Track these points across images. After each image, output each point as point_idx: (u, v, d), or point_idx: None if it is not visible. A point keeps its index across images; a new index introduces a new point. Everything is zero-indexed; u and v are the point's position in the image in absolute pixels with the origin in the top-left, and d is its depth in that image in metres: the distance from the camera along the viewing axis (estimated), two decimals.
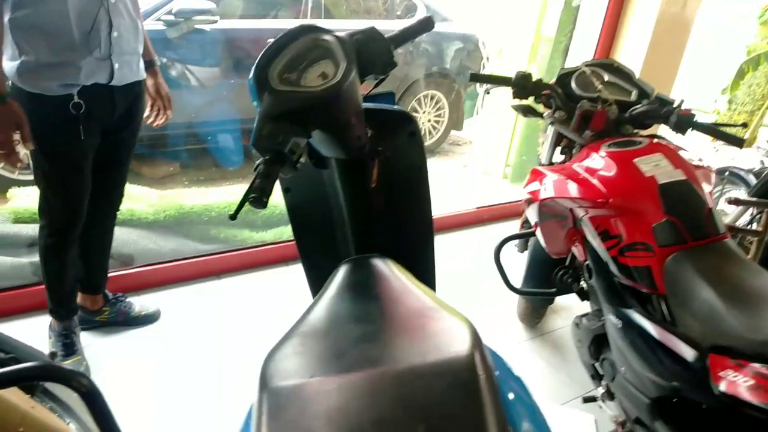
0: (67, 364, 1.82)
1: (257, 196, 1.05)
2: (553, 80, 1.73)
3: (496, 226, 3.23)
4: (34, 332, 1.95)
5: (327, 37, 1.19)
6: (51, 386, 1.35)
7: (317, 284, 1.55)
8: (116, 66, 1.61)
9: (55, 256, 1.81)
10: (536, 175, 1.63)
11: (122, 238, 2.33)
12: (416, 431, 0.63)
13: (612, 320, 1.43)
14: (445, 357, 0.74)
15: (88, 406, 0.83)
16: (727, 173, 2.58)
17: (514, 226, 3.30)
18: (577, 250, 1.62)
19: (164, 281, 2.32)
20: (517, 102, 1.82)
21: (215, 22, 3.38)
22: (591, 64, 1.75)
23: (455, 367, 0.72)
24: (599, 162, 1.46)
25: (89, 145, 1.65)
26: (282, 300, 2.32)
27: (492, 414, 0.66)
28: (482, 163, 4.17)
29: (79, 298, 2.04)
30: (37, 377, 0.79)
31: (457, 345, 0.76)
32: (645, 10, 2.99)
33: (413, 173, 1.41)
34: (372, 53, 1.29)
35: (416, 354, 0.76)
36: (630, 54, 3.08)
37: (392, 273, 1.08)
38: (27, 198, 2.47)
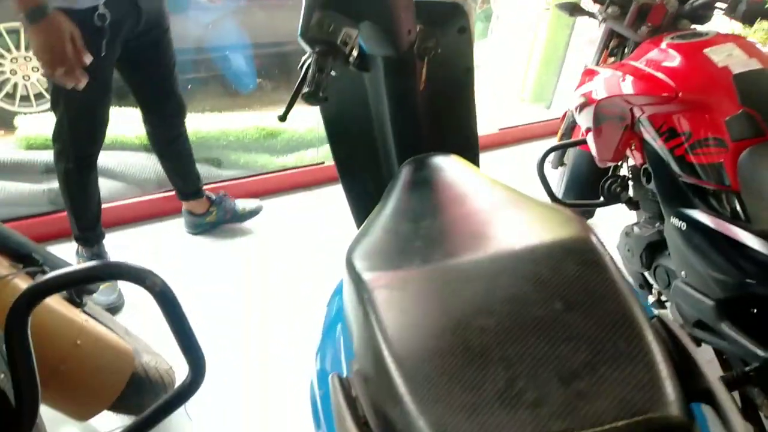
0: (102, 288, 1.77)
1: (312, 91, 0.96)
2: None
3: (521, 147, 3.14)
4: None
5: None
6: (90, 307, 1.30)
7: (359, 201, 1.47)
8: None
9: (78, 181, 1.74)
10: (590, 75, 1.53)
11: (139, 163, 2.24)
12: (554, 307, 0.57)
13: (674, 223, 1.37)
14: (564, 237, 0.68)
15: (161, 306, 0.77)
16: None
17: (539, 146, 3.20)
18: (632, 155, 1.54)
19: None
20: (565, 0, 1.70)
21: None
22: None
23: (578, 247, 0.65)
24: (663, 55, 1.36)
25: (110, 60, 1.56)
26: (315, 223, 2.26)
27: (627, 289, 0.60)
28: (496, 87, 4.03)
29: (184, 205, 2.12)
30: (109, 275, 0.72)
31: (571, 227, 0.69)
32: None
33: (461, 74, 1.33)
34: None
35: (529, 236, 0.69)
36: None
37: (465, 168, 1.00)
38: (37, 124, 2.35)
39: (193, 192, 2.09)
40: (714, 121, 1.24)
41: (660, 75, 1.32)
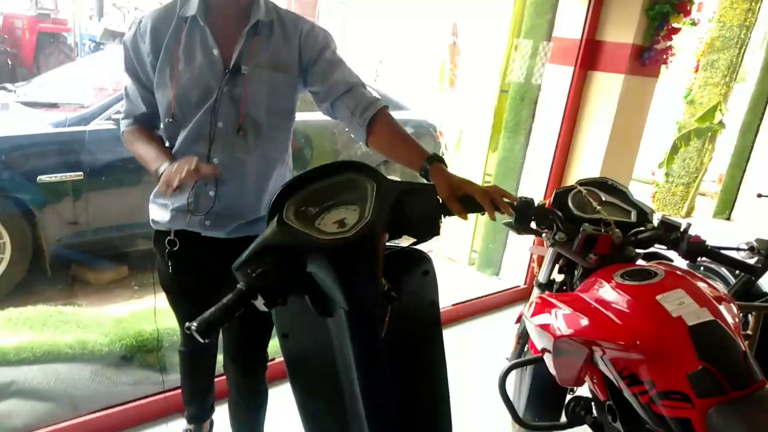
0: None
1: (202, 327, 0.94)
2: (548, 201, 1.68)
3: (475, 322, 3.12)
4: None
5: (368, 182, 1.10)
6: None
7: None
8: (207, 222, 1.50)
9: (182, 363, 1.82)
10: (545, 306, 1.53)
11: (73, 377, 2.04)
12: None
13: None
14: None
15: None
16: (701, 268, 2.59)
17: (494, 320, 3.20)
18: (594, 388, 1.51)
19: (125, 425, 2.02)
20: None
21: None
22: (585, 183, 1.72)
23: None
24: (616, 296, 1.38)
25: (180, 281, 1.60)
26: None
27: None
28: (447, 250, 4.11)
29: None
30: None
31: None
32: (605, 96, 3.07)
33: (425, 310, 1.31)
34: (416, 212, 1.18)
35: None
36: (592, 143, 3.15)
37: None
38: None
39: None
40: (675, 374, 1.23)
41: (616, 319, 1.32)
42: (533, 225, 1.74)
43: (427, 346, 1.32)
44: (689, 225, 1.51)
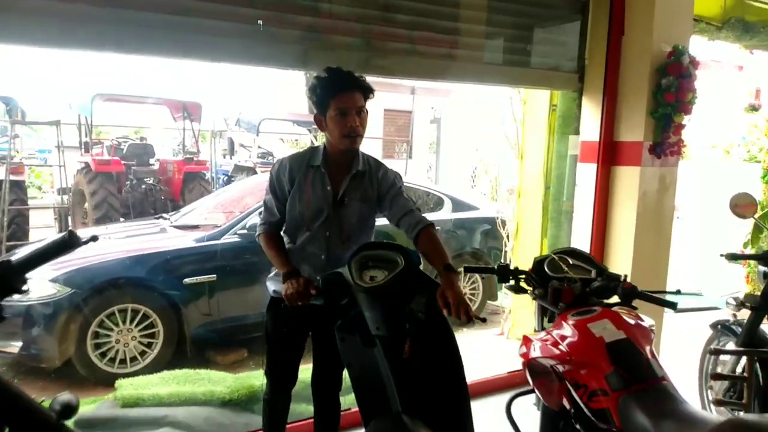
0: None
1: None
2: (530, 267, 2.27)
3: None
4: None
5: (401, 261, 1.90)
6: None
7: None
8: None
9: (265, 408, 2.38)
10: (526, 341, 2.08)
11: (202, 415, 2.83)
12: None
13: None
14: None
15: None
16: (719, 326, 2.92)
17: None
18: (566, 402, 2.00)
19: None
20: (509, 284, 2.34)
21: None
22: (557, 252, 2.29)
23: None
24: (566, 329, 1.91)
25: (284, 335, 2.27)
26: None
27: None
28: (517, 330, 4.56)
29: None
30: None
31: None
32: (627, 187, 3.58)
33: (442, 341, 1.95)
34: (419, 294, 1.94)
35: None
36: (622, 226, 3.62)
37: None
38: (130, 386, 3.05)
39: None
40: (598, 376, 1.73)
41: (562, 344, 1.86)
42: (525, 286, 2.33)
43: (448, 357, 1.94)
44: (626, 276, 2.03)
